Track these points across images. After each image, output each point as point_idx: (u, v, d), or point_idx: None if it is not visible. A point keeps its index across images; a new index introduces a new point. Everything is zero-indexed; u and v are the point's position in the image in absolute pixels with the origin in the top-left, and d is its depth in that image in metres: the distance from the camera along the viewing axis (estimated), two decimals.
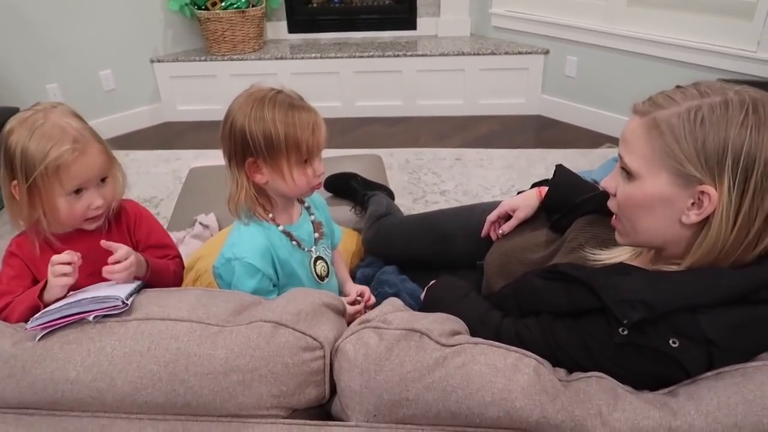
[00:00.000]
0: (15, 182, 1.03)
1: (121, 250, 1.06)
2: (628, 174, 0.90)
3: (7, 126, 1.03)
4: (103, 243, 1.06)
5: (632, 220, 0.92)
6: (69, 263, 1.02)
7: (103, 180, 1.09)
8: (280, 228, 1.22)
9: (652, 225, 0.90)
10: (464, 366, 0.80)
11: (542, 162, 3.19)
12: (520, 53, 3.68)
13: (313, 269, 1.26)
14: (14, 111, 2.88)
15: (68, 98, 3.55)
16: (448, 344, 0.83)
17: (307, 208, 1.32)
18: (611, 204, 0.97)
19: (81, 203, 1.07)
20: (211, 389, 0.81)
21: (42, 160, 0.99)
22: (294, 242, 1.23)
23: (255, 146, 1.09)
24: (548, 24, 3.58)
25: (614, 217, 0.98)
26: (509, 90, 3.82)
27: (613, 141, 3.41)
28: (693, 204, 0.84)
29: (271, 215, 1.20)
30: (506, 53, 3.68)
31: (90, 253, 1.06)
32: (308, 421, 0.83)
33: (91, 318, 0.87)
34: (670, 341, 0.80)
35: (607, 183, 0.97)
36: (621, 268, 0.93)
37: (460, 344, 0.83)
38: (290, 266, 1.22)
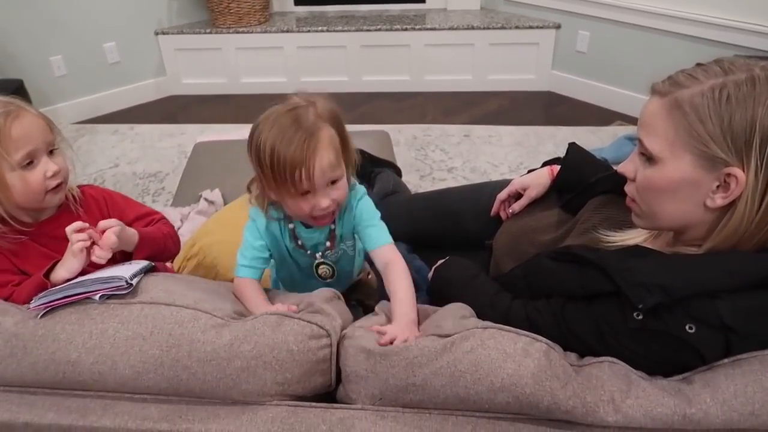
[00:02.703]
0: None
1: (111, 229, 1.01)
2: (649, 158, 0.86)
3: None
4: (100, 224, 1.01)
5: (652, 205, 0.89)
6: (83, 230, 0.98)
7: (51, 152, 1.03)
8: (290, 225, 1.14)
9: (674, 209, 0.86)
10: (473, 351, 0.78)
11: (552, 139, 3.14)
12: (530, 28, 3.60)
13: (315, 270, 1.20)
14: (19, 83, 2.88)
15: (72, 71, 3.52)
16: (455, 330, 0.81)
17: (334, 223, 1.16)
18: (629, 189, 0.93)
19: (36, 174, 1.00)
20: (215, 376, 0.79)
21: None
22: (297, 243, 1.16)
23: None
24: None
25: (629, 199, 0.94)
26: (519, 65, 3.75)
27: (625, 118, 3.36)
28: (718, 187, 0.81)
29: (283, 214, 1.13)
30: (517, 27, 3.60)
31: (66, 241, 1.00)
32: (313, 404, 0.82)
33: (96, 297, 0.85)
34: (687, 327, 0.78)
35: (625, 167, 0.92)
36: (637, 250, 0.90)
37: (469, 329, 0.81)
38: (283, 252, 1.18)
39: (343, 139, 1.03)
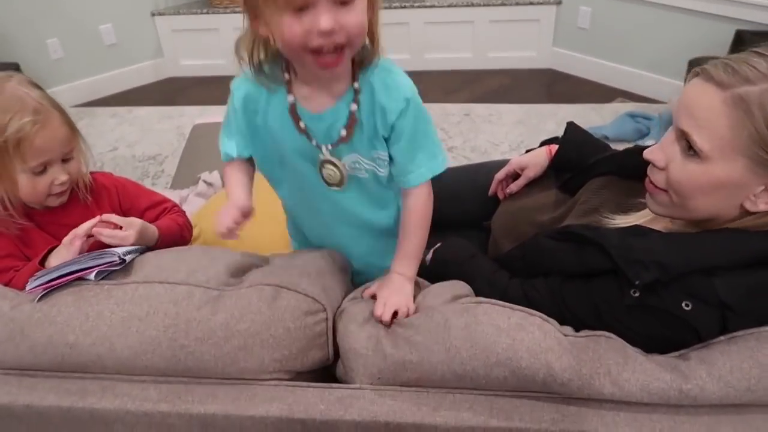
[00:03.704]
0: None
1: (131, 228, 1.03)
2: (693, 152, 0.79)
3: None
4: (107, 217, 1.03)
5: (686, 198, 0.83)
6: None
7: (66, 156, 1.04)
8: (290, 98, 0.88)
9: (709, 205, 0.82)
10: (467, 327, 0.79)
11: (553, 117, 3.12)
12: (531, 4, 3.56)
13: (319, 171, 0.96)
14: (15, 67, 2.85)
15: (69, 53, 3.49)
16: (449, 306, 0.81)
17: (356, 92, 0.88)
18: (657, 178, 0.86)
19: (44, 180, 1.02)
20: (212, 354, 0.80)
21: (1, 133, 0.93)
22: (299, 126, 0.90)
23: None
24: None
25: (655, 187, 0.88)
26: (520, 43, 3.71)
27: (627, 95, 3.33)
28: (763, 190, 0.78)
29: (287, 77, 0.88)
30: (517, 4, 3.56)
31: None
32: (312, 383, 0.82)
33: (92, 276, 0.86)
34: (683, 304, 0.78)
35: (654, 155, 0.86)
36: (635, 229, 0.89)
37: (463, 304, 0.81)
38: (276, 145, 0.95)
39: None
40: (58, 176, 1.02)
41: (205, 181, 1.87)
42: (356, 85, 0.86)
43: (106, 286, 0.85)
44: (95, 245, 1.00)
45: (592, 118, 3.06)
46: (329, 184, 0.97)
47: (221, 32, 3.76)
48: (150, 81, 3.87)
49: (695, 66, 2.29)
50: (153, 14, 3.71)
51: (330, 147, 0.91)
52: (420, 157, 0.93)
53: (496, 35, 3.67)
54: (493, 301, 0.83)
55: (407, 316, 0.88)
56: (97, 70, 3.65)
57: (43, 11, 3.33)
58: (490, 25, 3.64)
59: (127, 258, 0.89)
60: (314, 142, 0.91)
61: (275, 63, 0.87)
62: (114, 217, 1.03)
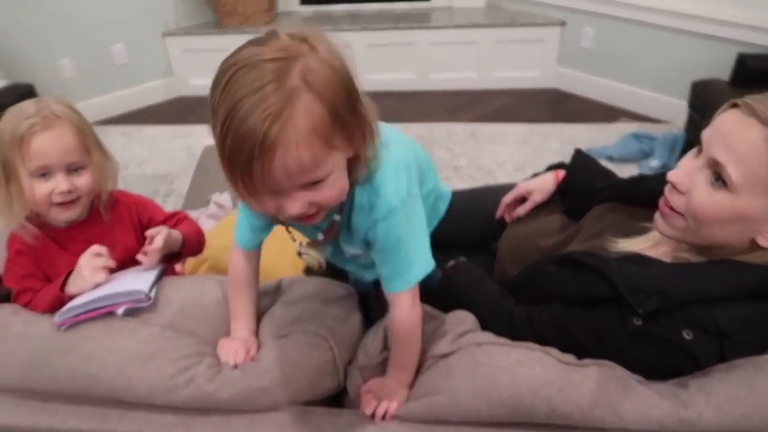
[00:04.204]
0: None
1: (159, 234, 1.08)
2: (722, 182, 0.80)
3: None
4: (149, 232, 1.09)
5: (703, 226, 0.84)
6: (99, 255, 1.01)
7: (77, 169, 1.04)
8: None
9: (723, 235, 0.84)
10: (468, 371, 0.82)
11: (557, 137, 3.15)
12: (535, 25, 3.61)
13: (298, 254, 1.03)
14: (29, 87, 2.91)
15: (81, 73, 3.56)
16: (452, 350, 0.85)
17: (342, 208, 0.87)
18: (677, 201, 0.87)
19: (44, 187, 1.01)
20: (229, 394, 0.83)
21: (10, 133, 0.97)
22: (287, 229, 0.94)
23: None
24: None
25: (672, 210, 0.88)
26: (524, 63, 3.75)
27: (630, 115, 3.36)
28: None
29: None
30: (521, 25, 3.61)
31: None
32: (322, 408, 0.86)
33: (120, 311, 0.89)
34: (684, 333, 0.80)
35: (680, 178, 0.86)
36: (637, 258, 0.92)
37: (462, 348, 0.85)
38: None
39: (341, 114, 0.70)
40: (59, 185, 1.01)
41: (216, 203, 1.91)
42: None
43: (131, 323, 0.88)
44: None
45: (596, 137, 3.09)
46: (308, 267, 1.01)
47: (230, 52, 3.81)
48: (160, 100, 3.93)
49: (699, 89, 2.35)
50: (164, 35, 3.78)
51: (305, 244, 0.96)
52: (390, 269, 0.86)
53: (501, 55, 3.72)
54: (493, 339, 0.86)
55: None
56: (108, 89, 3.72)
57: (56, 32, 3.40)
58: (495, 46, 3.68)
59: (152, 294, 0.93)
60: (296, 241, 0.95)
61: None
62: (160, 228, 1.09)
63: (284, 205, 0.71)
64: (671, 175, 0.87)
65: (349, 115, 0.72)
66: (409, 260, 0.85)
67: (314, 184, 0.71)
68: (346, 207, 0.85)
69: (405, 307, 0.87)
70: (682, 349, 0.80)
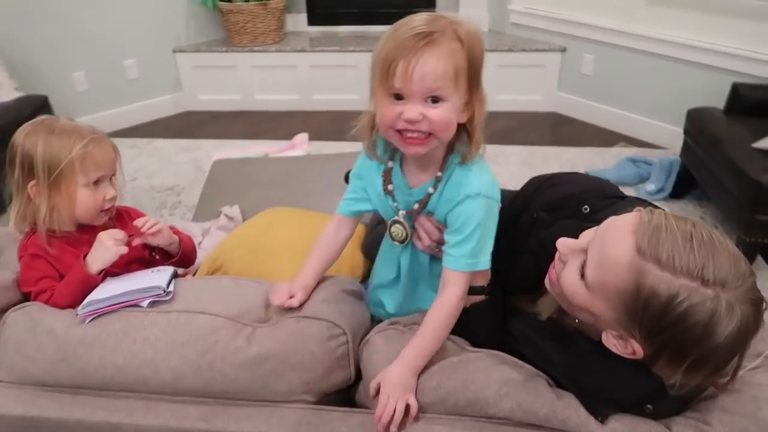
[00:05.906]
0: (33, 182, 1.09)
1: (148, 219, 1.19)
2: (584, 275, 0.84)
3: (18, 136, 1.10)
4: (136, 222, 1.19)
5: (568, 304, 0.90)
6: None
7: (113, 174, 1.18)
8: (390, 164, 1.02)
9: (581, 317, 0.90)
10: (485, 365, 0.88)
11: (557, 159, 3.23)
12: (537, 50, 3.71)
13: (389, 227, 1.08)
14: (43, 99, 2.98)
15: (93, 86, 3.65)
16: (470, 349, 0.91)
17: (437, 179, 0.98)
18: (552, 289, 0.93)
19: (99, 194, 1.13)
20: (247, 378, 0.89)
21: (68, 153, 1.07)
22: (387, 188, 1.03)
23: None
24: (566, 22, 3.60)
25: (553, 268, 0.92)
26: (525, 87, 3.85)
27: (628, 140, 3.45)
28: (616, 336, 0.83)
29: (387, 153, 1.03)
30: (523, 50, 3.71)
31: None
32: (336, 408, 0.91)
33: (144, 304, 0.95)
34: (646, 407, 0.84)
35: (564, 248, 0.89)
36: (562, 340, 0.94)
37: (476, 352, 0.92)
38: (375, 198, 1.07)
39: (474, 69, 0.90)
40: (109, 191, 1.16)
41: (226, 215, 1.97)
42: (440, 174, 0.98)
43: (151, 313, 0.95)
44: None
45: (595, 161, 3.17)
46: (393, 239, 1.08)
47: (239, 70, 3.92)
48: (169, 114, 4.02)
49: (694, 116, 2.36)
50: (174, 51, 3.88)
51: (405, 213, 1.04)
52: (460, 249, 0.95)
53: (502, 79, 3.80)
54: (503, 357, 0.92)
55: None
56: (118, 102, 3.81)
57: (71, 45, 3.50)
58: (497, 70, 3.77)
59: (170, 288, 0.99)
60: (394, 204, 1.04)
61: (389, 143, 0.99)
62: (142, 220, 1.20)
63: (404, 111, 0.86)
64: (559, 243, 0.90)
65: (475, 77, 0.91)
66: (480, 247, 0.96)
67: (434, 101, 0.86)
68: (442, 180, 0.97)
69: (459, 288, 0.95)
70: (648, 416, 0.84)
